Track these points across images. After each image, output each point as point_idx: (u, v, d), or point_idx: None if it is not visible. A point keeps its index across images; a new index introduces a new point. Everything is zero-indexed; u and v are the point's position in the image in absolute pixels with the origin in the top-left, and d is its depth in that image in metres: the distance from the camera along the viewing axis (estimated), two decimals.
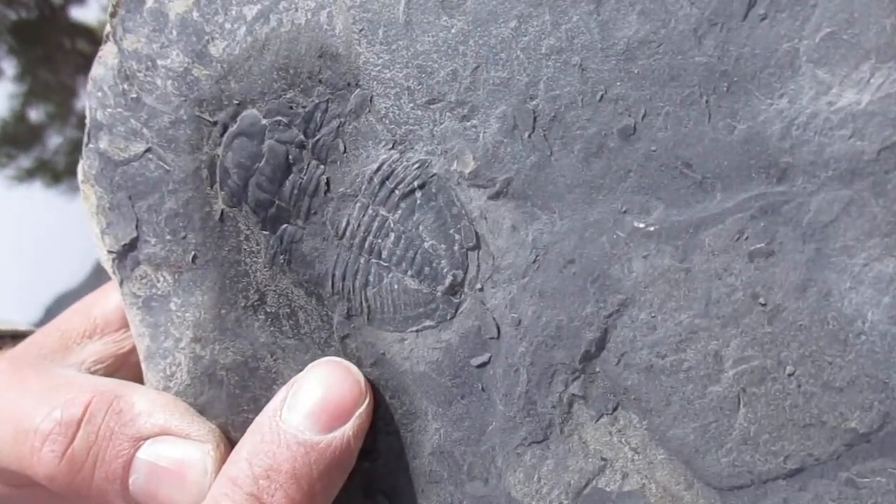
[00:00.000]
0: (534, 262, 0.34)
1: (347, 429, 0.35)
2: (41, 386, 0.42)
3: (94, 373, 0.45)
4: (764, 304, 0.30)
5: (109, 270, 0.42)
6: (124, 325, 0.46)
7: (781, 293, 0.30)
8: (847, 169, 0.29)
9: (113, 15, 0.39)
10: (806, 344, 0.30)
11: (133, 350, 0.46)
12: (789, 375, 0.31)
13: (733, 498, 0.32)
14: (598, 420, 0.34)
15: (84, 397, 0.40)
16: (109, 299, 0.47)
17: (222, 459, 0.39)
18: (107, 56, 0.40)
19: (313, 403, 0.35)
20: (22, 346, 0.48)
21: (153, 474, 0.39)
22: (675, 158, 0.31)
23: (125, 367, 0.46)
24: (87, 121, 0.40)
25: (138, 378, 0.45)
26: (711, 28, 0.30)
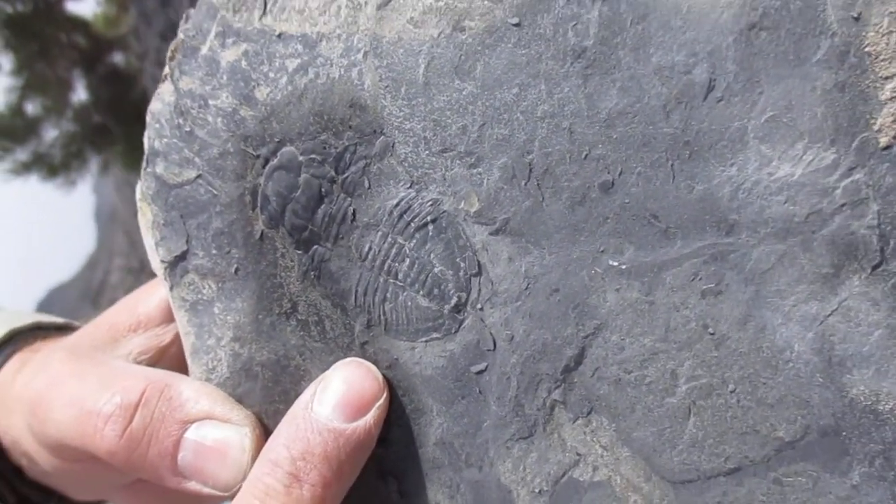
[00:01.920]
0: (525, 289, 0.38)
1: (369, 418, 0.40)
2: (99, 374, 0.47)
3: (139, 363, 0.50)
4: (712, 334, 0.35)
5: (161, 277, 0.47)
6: (165, 321, 0.51)
7: (726, 325, 0.35)
8: (782, 227, 0.33)
9: (171, 59, 0.44)
10: (745, 367, 0.35)
11: (172, 342, 0.51)
12: (731, 392, 0.35)
13: (683, 490, 0.36)
14: (574, 422, 0.38)
15: (140, 385, 0.45)
16: (151, 297, 0.51)
17: (258, 441, 0.44)
18: (164, 93, 0.44)
19: (340, 397, 0.40)
20: (75, 338, 0.53)
21: (199, 452, 0.44)
22: (645, 210, 0.35)
23: (166, 358, 0.51)
24: (146, 148, 0.45)
25: (176, 368, 0.49)
26: (678, 105, 0.34)
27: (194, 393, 0.45)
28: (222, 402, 0.45)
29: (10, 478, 0.56)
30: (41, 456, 0.50)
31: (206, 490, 0.44)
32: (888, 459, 0.33)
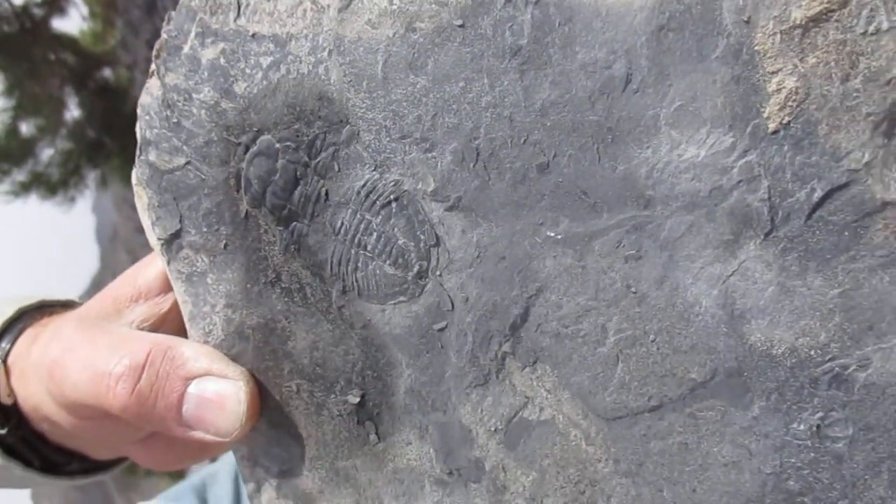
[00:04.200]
0: (477, 257, 0.43)
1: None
2: (108, 340, 0.51)
3: (142, 329, 0.54)
4: (635, 293, 0.40)
5: (158, 253, 0.51)
6: (163, 291, 0.54)
7: (646, 285, 0.40)
8: (690, 201, 0.38)
9: (157, 56, 0.48)
10: (662, 320, 0.40)
11: (170, 310, 0.54)
12: (652, 342, 0.40)
13: (615, 425, 0.42)
14: (523, 370, 0.44)
15: (145, 347, 0.49)
16: (149, 269, 0.55)
17: (252, 393, 0.49)
18: (152, 88, 0.48)
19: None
20: (83, 310, 0.57)
21: (200, 404, 0.49)
22: (576, 188, 0.40)
23: (165, 324, 0.55)
24: (139, 138, 0.49)
25: (175, 333, 0.53)
26: (601, 96, 0.39)
27: (194, 352, 0.50)
28: (219, 360, 0.50)
29: (33, 442, 0.61)
30: (60, 417, 0.55)
31: (209, 437, 0.50)
32: (781, 394, 0.39)
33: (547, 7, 0.39)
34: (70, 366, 0.51)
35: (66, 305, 0.64)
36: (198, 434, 0.50)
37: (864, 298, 0.37)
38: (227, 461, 1.02)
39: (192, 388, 0.49)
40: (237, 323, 0.50)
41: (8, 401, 0.58)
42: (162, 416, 0.50)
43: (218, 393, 0.49)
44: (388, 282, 0.46)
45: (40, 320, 0.60)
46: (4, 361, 0.58)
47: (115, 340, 0.51)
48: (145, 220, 0.51)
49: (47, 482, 0.64)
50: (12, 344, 0.59)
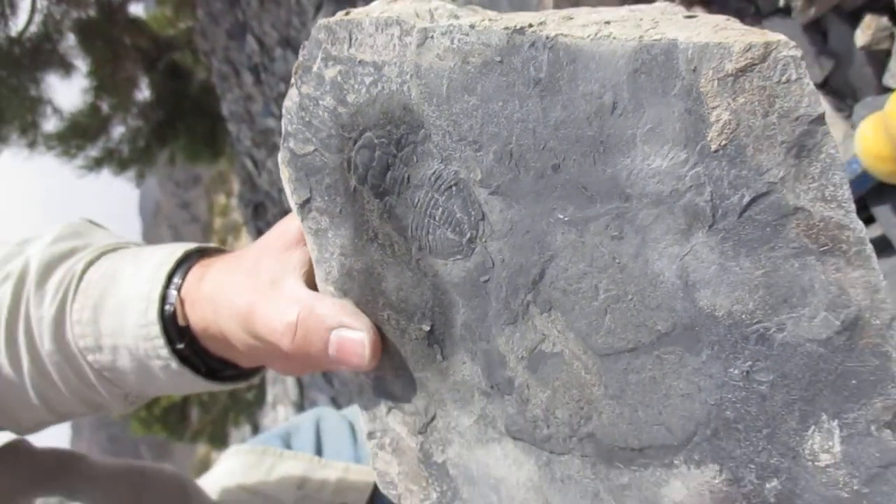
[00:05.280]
0: (510, 230, 0.57)
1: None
2: (275, 300, 0.69)
3: (304, 272, 0.71)
4: (618, 263, 0.52)
5: (296, 214, 0.71)
6: (304, 241, 0.71)
7: (626, 258, 0.52)
8: (656, 199, 0.49)
9: (295, 73, 0.66)
10: (637, 285, 0.52)
11: None
12: (629, 300, 0.52)
13: (605, 359, 0.54)
14: (541, 314, 0.57)
15: (296, 309, 0.67)
16: (291, 226, 0.73)
17: (374, 338, 0.65)
18: (292, 95, 0.66)
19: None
20: (252, 265, 0.73)
21: (340, 348, 0.64)
22: (579, 184, 0.52)
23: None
24: (283, 131, 0.68)
25: None
26: (596, 118, 0.50)
27: (329, 310, 0.66)
28: (348, 314, 0.66)
29: (201, 354, 0.81)
30: (243, 340, 0.74)
31: (351, 367, 0.67)
32: (721, 346, 0.51)
33: (558, 51, 0.53)
34: (255, 317, 0.70)
35: (219, 250, 0.84)
36: (342, 367, 0.68)
37: (780, 278, 0.49)
38: (308, 417, 1.22)
39: (333, 337, 0.63)
40: (348, 267, 0.68)
41: (183, 323, 0.79)
42: (316, 357, 0.67)
43: (351, 340, 0.65)
44: (449, 244, 0.62)
45: (200, 261, 0.80)
46: (179, 292, 0.79)
47: (278, 302, 0.69)
48: (287, 189, 0.70)
49: (208, 386, 0.84)
50: (183, 279, 0.79)
